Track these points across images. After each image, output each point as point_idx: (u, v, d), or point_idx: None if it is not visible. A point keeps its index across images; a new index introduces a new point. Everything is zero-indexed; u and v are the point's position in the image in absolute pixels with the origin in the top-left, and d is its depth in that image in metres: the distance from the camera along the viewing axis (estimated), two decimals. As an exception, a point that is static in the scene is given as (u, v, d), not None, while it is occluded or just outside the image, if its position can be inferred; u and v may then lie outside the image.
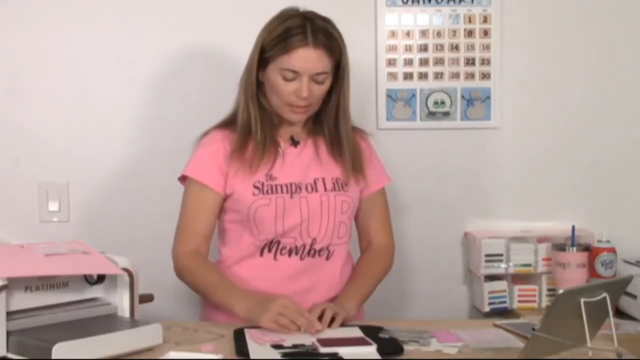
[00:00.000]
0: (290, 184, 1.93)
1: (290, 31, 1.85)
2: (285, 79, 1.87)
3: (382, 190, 2.07)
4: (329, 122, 1.98)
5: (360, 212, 2.04)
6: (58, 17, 2.45)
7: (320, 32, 1.86)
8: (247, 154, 1.92)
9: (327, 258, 1.97)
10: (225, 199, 1.95)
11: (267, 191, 1.91)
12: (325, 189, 1.95)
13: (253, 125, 1.93)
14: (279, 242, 1.93)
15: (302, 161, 1.97)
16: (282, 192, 1.92)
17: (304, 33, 1.85)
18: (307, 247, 1.94)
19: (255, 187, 1.91)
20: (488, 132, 2.59)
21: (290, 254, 1.94)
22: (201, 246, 1.94)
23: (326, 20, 1.90)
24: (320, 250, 1.95)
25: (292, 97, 1.88)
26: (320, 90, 1.91)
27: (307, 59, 1.85)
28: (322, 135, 1.99)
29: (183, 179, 1.99)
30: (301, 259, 1.94)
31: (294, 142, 1.98)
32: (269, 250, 1.94)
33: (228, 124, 1.99)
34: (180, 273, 1.95)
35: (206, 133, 1.99)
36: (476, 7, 2.55)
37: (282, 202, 1.91)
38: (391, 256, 2.07)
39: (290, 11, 1.91)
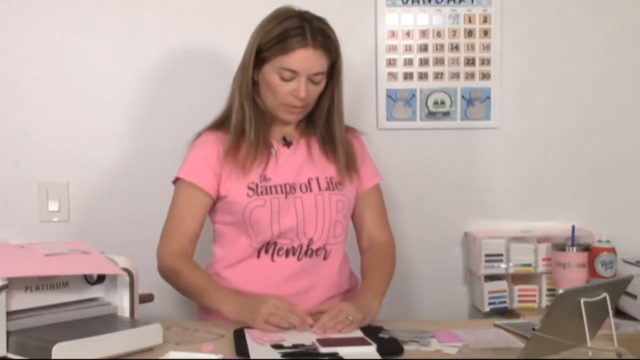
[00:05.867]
0: (285, 185, 1.93)
1: (289, 32, 1.85)
2: (283, 79, 1.87)
3: (376, 187, 2.06)
4: (321, 121, 1.98)
5: (356, 209, 2.04)
6: (57, 17, 2.45)
7: (318, 32, 1.86)
8: (240, 155, 1.92)
9: (325, 258, 1.97)
10: (217, 201, 1.95)
11: (261, 192, 1.91)
12: (320, 189, 1.95)
13: (247, 125, 1.92)
14: (275, 244, 1.93)
15: (295, 161, 1.96)
16: (276, 192, 1.91)
17: (303, 34, 1.84)
18: (304, 248, 1.94)
19: (250, 188, 1.91)
20: (488, 132, 2.59)
21: (287, 254, 1.93)
22: (187, 247, 1.93)
23: (322, 21, 1.90)
24: (317, 250, 1.95)
25: (289, 97, 1.88)
26: (316, 90, 1.91)
27: (307, 59, 1.85)
28: (315, 135, 1.99)
29: (176, 180, 1.97)
30: (298, 259, 1.94)
31: (287, 143, 1.98)
32: (266, 252, 1.94)
33: (220, 125, 1.98)
34: (164, 274, 1.93)
35: (198, 135, 1.98)
36: (476, 7, 2.55)
37: (277, 202, 1.91)
38: (394, 251, 2.06)
39: (287, 11, 1.90)
